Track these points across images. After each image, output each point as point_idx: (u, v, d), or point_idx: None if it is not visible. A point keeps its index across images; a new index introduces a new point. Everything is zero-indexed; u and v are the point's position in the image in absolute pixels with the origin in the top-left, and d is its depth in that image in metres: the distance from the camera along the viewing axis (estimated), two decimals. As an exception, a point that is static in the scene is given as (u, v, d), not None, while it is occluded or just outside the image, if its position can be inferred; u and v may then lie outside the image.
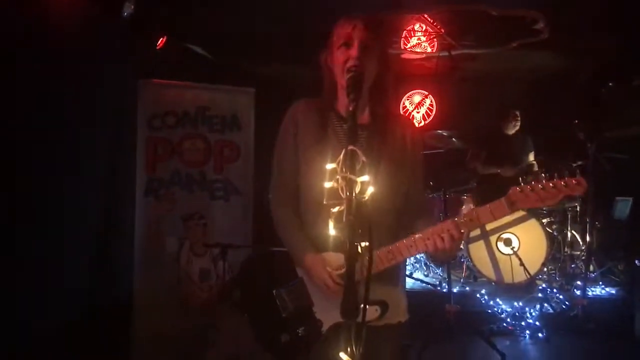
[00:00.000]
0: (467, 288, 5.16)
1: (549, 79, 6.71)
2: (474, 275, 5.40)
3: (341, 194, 1.43)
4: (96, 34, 3.91)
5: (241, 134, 4.51)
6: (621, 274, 5.62)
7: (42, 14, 3.46)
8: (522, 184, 1.68)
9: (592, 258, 5.65)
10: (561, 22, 5.31)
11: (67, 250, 3.72)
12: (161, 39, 4.84)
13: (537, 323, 4.68)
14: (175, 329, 3.99)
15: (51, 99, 3.56)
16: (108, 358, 3.75)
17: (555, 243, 5.52)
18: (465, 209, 5.67)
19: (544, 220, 5.48)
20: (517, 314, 4.78)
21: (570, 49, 6.16)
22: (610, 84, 6.82)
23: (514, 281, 5.04)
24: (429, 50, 6.40)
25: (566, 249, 5.73)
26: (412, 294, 4.96)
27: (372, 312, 1.75)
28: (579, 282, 5.19)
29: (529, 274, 4.93)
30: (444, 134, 5.59)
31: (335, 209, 1.45)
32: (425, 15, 5.69)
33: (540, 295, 4.90)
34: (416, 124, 7.30)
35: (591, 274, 5.58)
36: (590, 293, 5.11)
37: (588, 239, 5.58)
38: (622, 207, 6.26)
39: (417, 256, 5.78)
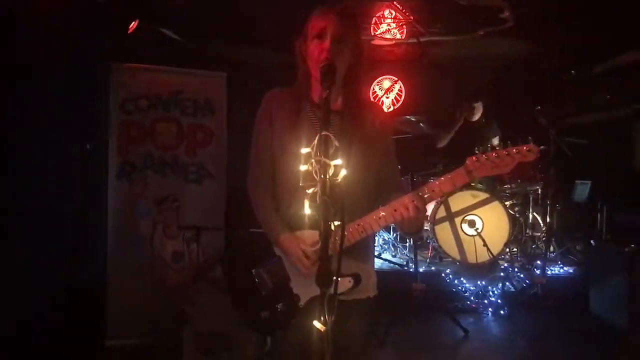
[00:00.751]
0: (433, 268, 5.36)
1: (514, 66, 6.90)
2: (440, 255, 5.60)
3: (315, 176, 1.54)
4: (69, 17, 3.89)
5: (214, 118, 4.56)
6: (579, 254, 5.90)
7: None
8: (478, 154, 1.80)
9: (552, 239, 5.92)
10: (525, 11, 5.49)
11: (42, 233, 3.74)
12: (133, 22, 4.83)
13: (499, 301, 4.91)
14: (150, 309, 4.07)
15: (22, 82, 3.55)
16: (84, 338, 3.81)
17: (517, 225, 5.76)
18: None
19: (507, 203, 5.70)
20: (480, 292, 5.00)
21: (534, 38, 6.35)
22: (572, 71, 7.08)
23: (478, 261, 5.25)
24: (398, 36, 6.52)
25: (528, 230, 5.98)
26: (380, 274, 5.13)
27: (346, 282, 1.88)
28: (539, 262, 5.45)
29: (491, 254, 5.15)
30: (412, 119, 5.75)
31: (310, 191, 1.56)
32: (395, 3, 5.80)
33: (502, 274, 5.12)
34: (385, 109, 7.48)
35: (551, 254, 5.86)
36: (549, 272, 5.37)
37: (548, 220, 5.84)
38: (582, 190, 6.54)
39: (386, 237, 5.96)
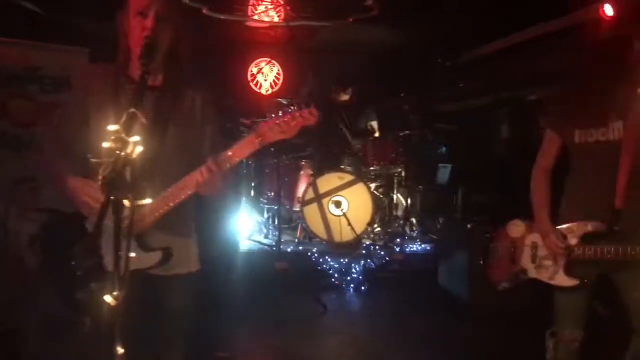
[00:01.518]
0: (301, 247, 5.50)
1: (384, 53, 7.19)
2: (310, 236, 5.76)
3: (113, 153, 1.54)
4: None
5: (74, 96, 4.34)
6: (437, 232, 6.32)
7: None
8: (268, 119, 1.89)
9: (412, 218, 6.30)
10: (392, 0, 5.74)
11: None
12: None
13: (360, 277, 5.16)
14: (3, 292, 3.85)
15: None
16: None
17: (381, 205, 6.06)
18: (303, 174, 5.98)
19: (373, 185, 5.98)
20: (343, 270, 5.21)
21: (402, 26, 6.65)
22: (439, 60, 7.51)
23: (342, 240, 5.48)
24: (276, 19, 6.56)
25: (393, 211, 6.32)
26: (248, 255, 5.25)
27: (153, 257, 1.91)
28: (398, 240, 5.76)
29: (355, 233, 5.39)
30: (284, 102, 5.83)
31: (104, 167, 1.55)
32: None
33: (364, 252, 5.37)
34: (264, 92, 7.52)
35: (412, 232, 6.23)
36: (408, 249, 5.70)
37: (410, 201, 6.20)
38: (444, 173, 7.00)
39: (257, 220, 6.02)
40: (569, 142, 2.46)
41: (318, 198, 5.56)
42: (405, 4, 5.86)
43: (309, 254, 5.38)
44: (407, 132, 6.16)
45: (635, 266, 2.28)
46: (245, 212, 5.90)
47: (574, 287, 2.40)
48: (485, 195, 5.76)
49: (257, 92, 7.47)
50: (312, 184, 5.56)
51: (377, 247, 5.58)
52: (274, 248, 5.34)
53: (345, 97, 6.14)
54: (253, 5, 6.60)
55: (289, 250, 5.41)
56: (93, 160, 1.59)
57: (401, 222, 6.21)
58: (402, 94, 6.09)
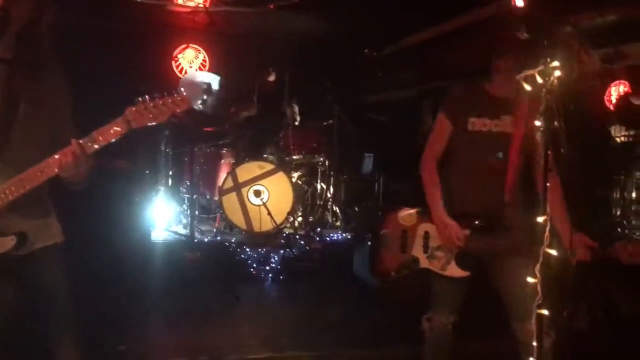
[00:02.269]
0: (219, 238, 5.39)
1: (310, 42, 7.14)
2: (230, 226, 5.67)
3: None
4: None
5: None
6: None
7: None
8: (138, 104, 1.82)
9: (335, 207, 6.30)
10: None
11: None
12: None
13: (279, 267, 5.10)
14: None
15: None
16: None
17: (303, 194, 6.03)
18: (224, 162, 5.88)
19: (295, 174, 5.94)
20: (261, 260, 5.14)
21: (328, 15, 6.62)
22: (365, 50, 7.53)
23: (262, 230, 5.42)
24: (201, 6, 6.38)
25: (317, 200, 6.30)
26: (164, 246, 5.11)
27: (8, 241, 1.82)
28: (319, 229, 5.75)
29: (275, 223, 5.34)
30: (204, 85, 5.68)
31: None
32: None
33: (283, 242, 5.33)
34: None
35: (335, 221, 6.24)
36: (329, 239, 5.70)
37: (332, 190, 6.20)
38: (368, 162, 7.05)
39: (177, 209, 5.87)
40: (461, 129, 2.46)
41: (237, 187, 5.47)
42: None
43: (227, 244, 5.30)
44: (330, 121, 6.14)
45: (515, 258, 2.33)
46: (164, 202, 5.74)
47: (463, 279, 2.43)
48: (403, 184, 5.82)
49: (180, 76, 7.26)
50: (231, 173, 5.46)
51: (297, 236, 5.55)
52: (185, 238, 5.21)
53: (271, 77, 6.05)
54: (175, -11, 6.42)
55: (206, 240, 5.31)
56: None
57: (323, 211, 6.20)
58: (326, 84, 6.04)
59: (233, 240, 5.34)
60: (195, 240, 5.21)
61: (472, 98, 2.49)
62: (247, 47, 7.04)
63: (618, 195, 6.32)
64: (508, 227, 2.36)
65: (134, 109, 1.82)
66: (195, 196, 5.65)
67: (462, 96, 2.55)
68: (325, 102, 6.17)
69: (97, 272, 3.97)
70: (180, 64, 7.37)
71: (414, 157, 2.71)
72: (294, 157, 5.90)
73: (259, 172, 5.47)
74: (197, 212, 5.94)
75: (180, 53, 7.37)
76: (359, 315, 4.17)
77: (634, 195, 6.37)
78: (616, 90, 7.38)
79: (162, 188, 5.74)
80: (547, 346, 2.17)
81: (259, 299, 4.73)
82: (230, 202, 5.46)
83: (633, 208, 6.34)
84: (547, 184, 2.04)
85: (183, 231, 5.49)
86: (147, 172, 5.34)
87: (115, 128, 1.83)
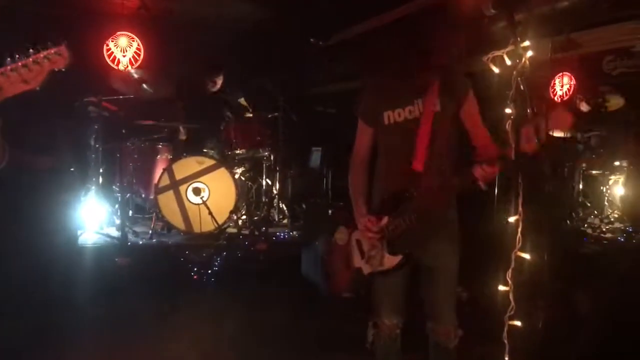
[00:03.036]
0: (155, 240, 4.97)
1: (253, 30, 6.79)
2: (167, 227, 5.26)
3: None
4: None
5: None
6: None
7: None
8: (6, 64, 1.47)
9: (281, 204, 5.98)
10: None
11: None
12: None
13: (221, 271, 4.74)
14: None
15: None
16: None
17: (248, 191, 5.69)
18: (161, 158, 5.46)
19: (239, 170, 5.58)
20: (202, 263, 4.76)
21: (272, 2, 6.29)
22: (311, 39, 7.22)
23: (203, 230, 5.05)
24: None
25: (262, 197, 5.96)
26: (93, 250, 4.66)
27: None
28: (264, 228, 5.41)
29: (217, 222, 4.98)
30: (135, 75, 5.25)
31: None
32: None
33: (225, 243, 4.97)
34: (122, 69, 6.81)
35: (281, 219, 5.92)
36: (275, 238, 5.37)
37: (278, 186, 5.88)
38: (316, 156, 6.76)
39: (109, 210, 5.40)
40: (379, 126, 2.35)
41: (175, 185, 5.07)
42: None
43: (164, 247, 4.89)
44: (275, 114, 5.81)
45: (435, 245, 2.29)
46: (95, 202, 5.25)
47: (402, 264, 2.29)
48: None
49: (114, 68, 6.75)
50: (168, 169, 5.06)
51: (241, 236, 5.20)
52: (118, 242, 4.77)
53: (218, 84, 5.73)
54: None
55: (140, 243, 4.88)
56: None
57: (269, 208, 5.86)
58: (269, 74, 5.71)
59: (171, 243, 4.93)
60: (129, 243, 4.78)
61: (382, 93, 2.38)
62: (184, 35, 6.61)
63: (564, 188, 6.29)
64: (412, 193, 2.23)
65: (1, 71, 1.46)
66: (128, 195, 5.20)
67: (374, 92, 2.43)
68: (268, 94, 5.83)
69: (15, 280, 3.60)
70: (112, 52, 6.86)
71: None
72: (237, 152, 5.52)
73: (198, 168, 5.09)
74: (131, 213, 5.50)
75: (112, 41, 6.85)
76: (307, 322, 3.89)
77: (580, 186, 6.34)
78: (560, 82, 7.37)
79: (92, 187, 5.24)
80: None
81: (199, 306, 4.34)
82: (167, 201, 5.06)
83: (580, 200, 6.32)
84: (519, 182, 1.84)
85: (116, 233, 5.02)
86: (71, 169, 4.84)
87: None
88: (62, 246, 4.13)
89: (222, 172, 5.11)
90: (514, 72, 1.83)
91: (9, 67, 1.47)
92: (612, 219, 5.83)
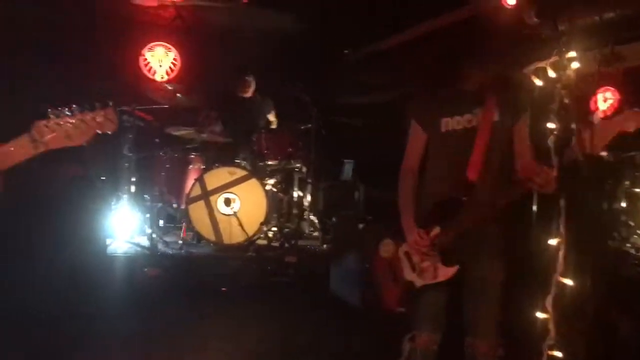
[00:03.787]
0: (183, 251, 4.93)
1: (286, 42, 6.76)
2: (197, 237, 5.24)
3: None
4: None
5: None
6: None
7: None
8: (49, 118, 1.42)
9: (312, 217, 5.90)
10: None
11: None
12: None
13: (250, 283, 4.69)
14: None
15: None
16: None
17: (279, 203, 5.63)
18: (192, 168, 5.46)
19: (271, 181, 5.53)
20: (231, 274, 4.73)
21: (304, 14, 6.27)
22: (345, 51, 7.17)
23: (232, 241, 5.01)
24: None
25: (293, 209, 5.90)
26: (123, 259, 4.66)
27: None
28: (293, 241, 5.33)
29: (246, 234, 4.94)
30: (169, 87, 5.29)
31: None
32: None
33: (255, 255, 4.92)
34: (158, 79, 6.88)
35: (312, 232, 5.84)
36: (305, 251, 5.28)
37: (309, 199, 5.81)
38: (348, 169, 6.67)
39: (139, 219, 5.41)
40: (435, 132, 2.32)
41: (206, 195, 5.05)
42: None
43: (194, 257, 4.86)
44: (308, 125, 5.76)
45: (483, 260, 2.24)
46: (126, 210, 5.28)
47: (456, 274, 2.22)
48: (384, 191, 5.43)
49: (151, 78, 6.82)
50: (199, 180, 5.05)
51: (270, 249, 5.14)
52: (148, 251, 4.76)
53: (251, 88, 5.72)
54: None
55: (170, 253, 4.86)
56: None
57: (301, 221, 5.79)
58: (302, 85, 5.67)
59: (200, 253, 4.91)
60: (159, 253, 4.77)
61: (441, 97, 2.36)
62: (219, 45, 6.63)
63: (606, 206, 6.04)
64: (463, 202, 2.19)
65: (44, 123, 1.43)
66: (159, 204, 5.21)
67: (431, 98, 2.41)
68: (302, 105, 5.78)
69: (44, 288, 3.62)
70: (148, 62, 6.94)
71: (396, 163, 2.52)
72: (269, 163, 5.49)
73: (229, 178, 5.05)
74: (162, 222, 5.50)
75: (149, 51, 6.93)
76: (336, 338, 3.79)
77: (623, 205, 6.07)
78: (603, 97, 7.13)
79: (124, 195, 5.27)
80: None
81: (225, 319, 4.27)
82: (197, 212, 5.03)
83: (622, 219, 6.05)
84: (561, 202, 1.73)
85: (146, 243, 5.02)
86: (103, 178, 4.88)
87: (20, 149, 1.46)
88: (91, 254, 4.13)
89: (253, 183, 5.07)
90: (558, 85, 1.71)
91: (53, 121, 1.44)
92: (656, 239, 5.56)
